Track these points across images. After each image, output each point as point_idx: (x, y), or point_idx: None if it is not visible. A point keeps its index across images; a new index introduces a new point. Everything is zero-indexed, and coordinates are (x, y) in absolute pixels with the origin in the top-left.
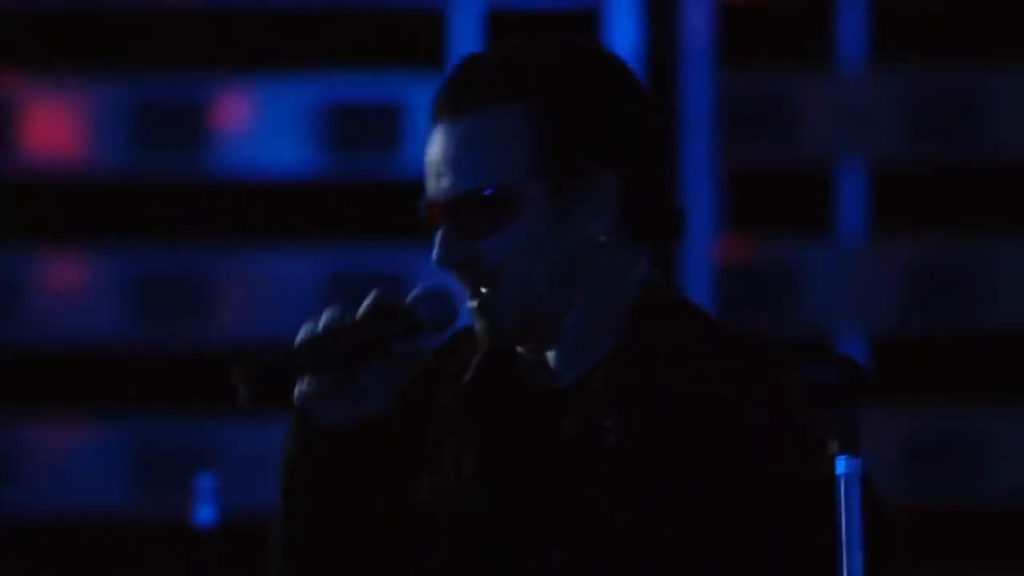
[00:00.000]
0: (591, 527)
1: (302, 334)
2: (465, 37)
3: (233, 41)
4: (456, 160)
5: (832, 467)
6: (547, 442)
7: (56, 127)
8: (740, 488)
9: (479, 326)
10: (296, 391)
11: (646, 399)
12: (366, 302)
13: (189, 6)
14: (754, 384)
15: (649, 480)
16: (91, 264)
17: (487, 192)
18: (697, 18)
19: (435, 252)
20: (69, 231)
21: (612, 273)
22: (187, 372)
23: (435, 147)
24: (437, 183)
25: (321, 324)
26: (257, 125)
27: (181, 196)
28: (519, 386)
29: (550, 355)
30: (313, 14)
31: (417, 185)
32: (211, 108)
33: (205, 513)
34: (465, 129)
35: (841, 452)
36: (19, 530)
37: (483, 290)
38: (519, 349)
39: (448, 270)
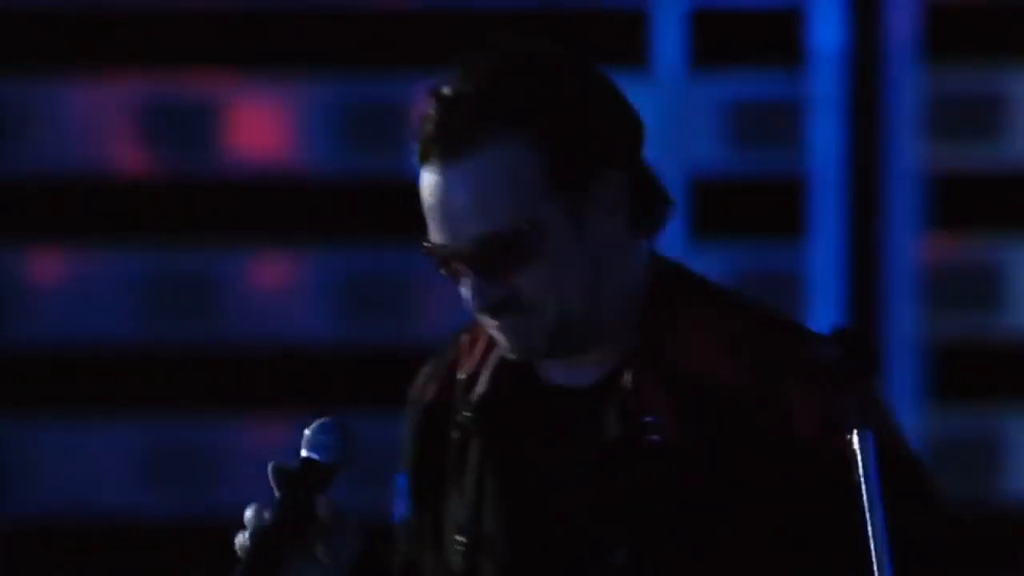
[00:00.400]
0: (646, 527)
1: (241, 543)
2: (667, 37)
3: (437, 41)
4: (470, 204)
5: (872, 443)
6: (588, 445)
7: (264, 127)
8: (786, 471)
9: (513, 351)
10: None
11: (681, 391)
12: (273, 499)
13: (396, 5)
14: (785, 363)
15: (697, 473)
16: (299, 265)
17: (513, 230)
18: (901, 16)
19: (473, 299)
20: (274, 231)
21: (627, 267)
22: (391, 372)
23: (438, 193)
24: (450, 229)
25: (244, 542)
26: None
27: (386, 197)
28: (542, 389)
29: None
30: (512, 12)
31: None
32: (415, 108)
33: (399, 508)
34: (469, 172)
35: (857, 427)
36: (217, 526)
37: (514, 320)
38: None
39: (487, 310)
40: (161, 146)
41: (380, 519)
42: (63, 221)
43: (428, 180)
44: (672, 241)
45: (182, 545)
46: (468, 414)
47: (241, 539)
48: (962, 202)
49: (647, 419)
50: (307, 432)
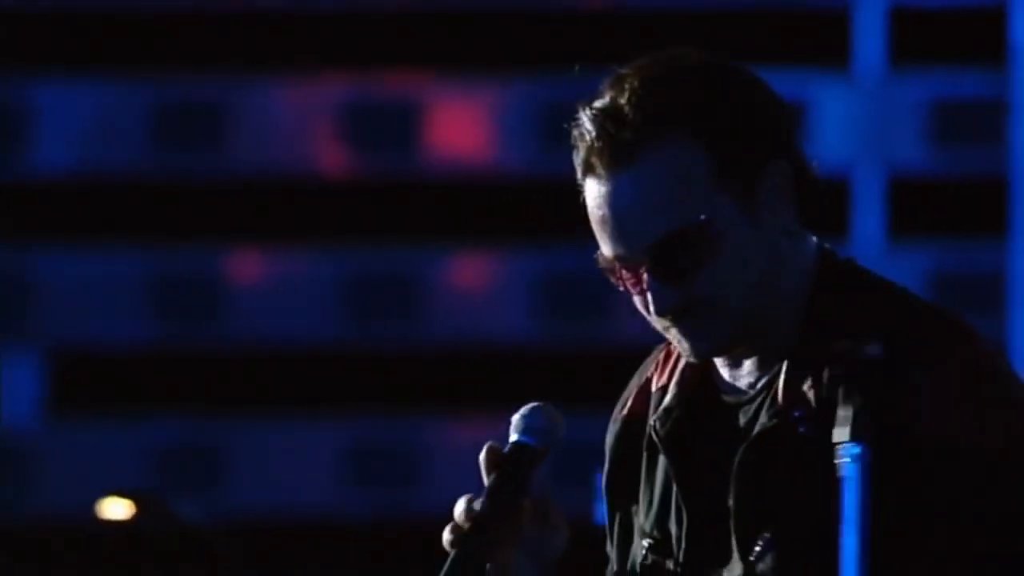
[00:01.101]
0: (790, 518)
1: (449, 537)
2: (869, 36)
3: (635, 42)
4: (644, 208)
5: (1004, 438)
6: (741, 443)
7: (463, 128)
8: (915, 460)
9: (694, 351)
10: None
11: (829, 381)
12: (487, 480)
13: (592, 7)
14: (920, 350)
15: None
16: (497, 263)
17: (690, 228)
18: None
19: (654, 305)
20: (475, 230)
21: (798, 257)
22: (589, 370)
23: (608, 202)
24: (625, 238)
25: (462, 520)
26: None
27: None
28: (716, 396)
29: (748, 359)
30: (714, 12)
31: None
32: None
33: (601, 510)
34: (639, 176)
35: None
36: (429, 526)
37: (697, 320)
38: (717, 361)
39: (667, 315)
40: (362, 146)
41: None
42: (264, 222)
43: (595, 192)
44: (872, 240)
45: (385, 544)
46: (656, 425)
47: (447, 534)
48: None
49: (795, 413)
50: (516, 417)
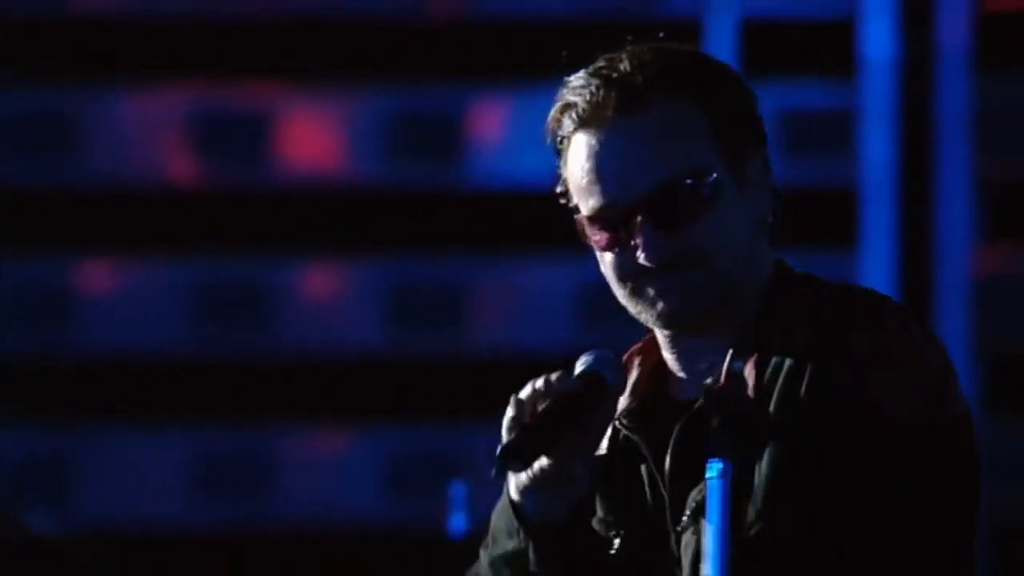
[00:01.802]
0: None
1: (512, 418)
2: (721, 45)
3: (489, 53)
4: (648, 153)
5: (949, 411)
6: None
7: (314, 139)
8: (854, 432)
9: (673, 312)
10: (514, 484)
11: (769, 365)
12: (555, 379)
13: (445, 18)
14: (851, 326)
15: (777, 443)
16: (348, 273)
17: (691, 176)
18: (953, 26)
19: (646, 253)
20: (327, 241)
21: (764, 253)
22: (443, 380)
23: (607, 150)
24: (622, 184)
25: (536, 407)
26: (512, 136)
27: (435, 206)
28: (668, 398)
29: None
30: (567, 26)
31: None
32: (467, 119)
33: (458, 521)
34: (646, 123)
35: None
36: (274, 538)
37: (685, 275)
38: (677, 367)
39: (660, 265)
40: (213, 157)
41: (432, 530)
42: (114, 232)
43: (591, 142)
44: None
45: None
46: (617, 426)
47: (513, 409)
48: (1017, 212)
49: (732, 395)
50: (585, 357)
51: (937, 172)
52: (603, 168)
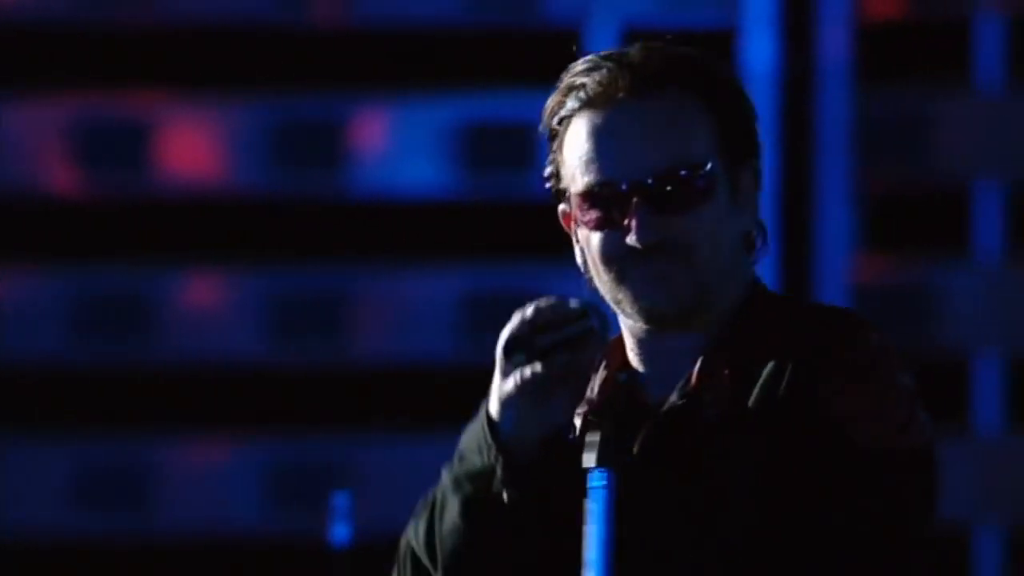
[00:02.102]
0: (683, 499)
1: (525, 319)
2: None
3: (369, 61)
4: (654, 135)
5: (915, 437)
6: (663, 433)
7: (194, 148)
8: (824, 454)
9: (655, 304)
10: (497, 394)
11: (739, 373)
12: (551, 303)
13: (326, 27)
14: (830, 347)
15: (742, 449)
16: (228, 283)
17: (694, 166)
18: (834, 38)
19: (638, 233)
20: (207, 250)
21: (744, 272)
22: (323, 390)
23: (616, 128)
24: (625, 164)
25: (535, 316)
26: (393, 145)
27: (317, 215)
28: (641, 410)
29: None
30: (449, 34)
31: (548, 205)
32: (348, 128)
33: (340, 532)
34: (657, 106)
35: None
36: (158, 548)
37: (669, 266)
38: (646, 371)
39: (648, 248)
40: (93, 166)
41: (313, 541)
42: None
43: (595, 121)
44: None
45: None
46: (580, 422)
47: (516, 325)
48: (895, 222)
49: (707, 398)
50: (591, 303)
51: (817, 183)
52: (605, 147)
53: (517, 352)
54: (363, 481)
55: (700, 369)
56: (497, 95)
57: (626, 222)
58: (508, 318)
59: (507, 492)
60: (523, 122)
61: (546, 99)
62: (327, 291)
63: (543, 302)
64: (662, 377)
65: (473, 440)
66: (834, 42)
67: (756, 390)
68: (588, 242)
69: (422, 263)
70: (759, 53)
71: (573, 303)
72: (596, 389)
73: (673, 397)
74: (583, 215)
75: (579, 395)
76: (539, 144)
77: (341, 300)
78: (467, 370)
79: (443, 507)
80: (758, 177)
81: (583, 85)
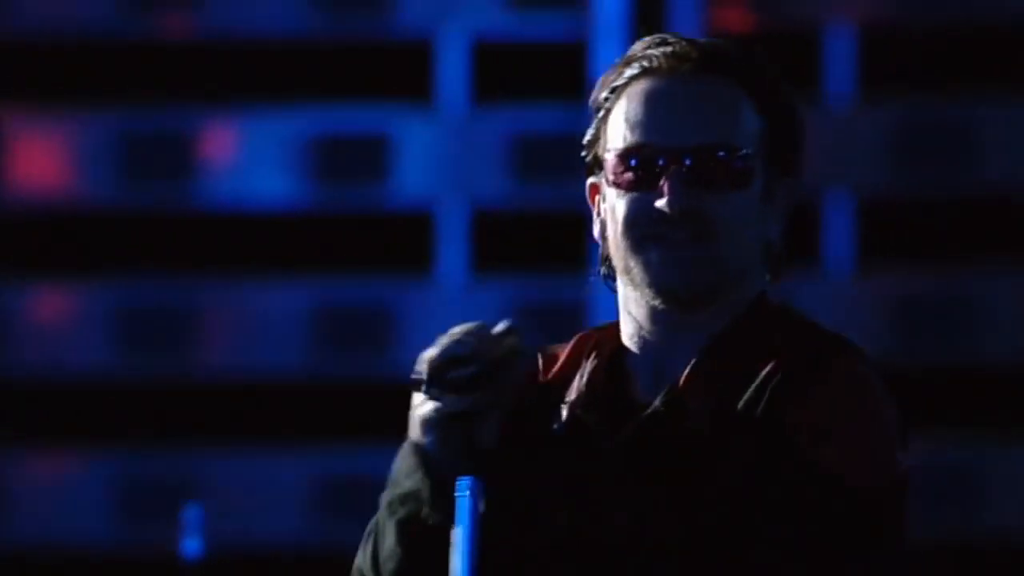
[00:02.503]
0: (654, 496)
1: (446, 346)
2: (452, 69)
3: (219, 72)
4: (699, 112)
5: (881, 474)
6: (644, 436)
7: (43, 160)
8: (788, 478)
9: (668, 280)
10: (420, 415)
11: (726, 385)
12: (499, 330)
13: (175, 38)
14: (814, 374)
15: (716, 464)
16: (77, 296)
17: (742, 150)
18: None
19: (669, 197)
20: (55, 263)
21: (758, 286)
22: (173, 404)
23: (676, 97)
24: (677, 132)
25: (469, 340)
26: (243, 157)
27: (167, 228)
28: (629, 404)
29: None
30: (299, 46)
31: (403, 216)
32: (197, 140)
33: (191, 545)
34: (706, 85)
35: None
36: (5, 562)
37: (692, 247)
38: (637, 363)
39: (674, 217)
40: None
41: (163, 554)
42: None
43: (655, 86)
44: (456, 273)
45: None
46: (577, 413)
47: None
48: None
49: (691, 405)
50: (517, 327)
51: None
52: (656, 112)
53: (432, 387)
54: (214, 495)
55: (689, 374)
56: (347, 107)
57: (659, 185)
58: (358, 331)
59: (435, 515)
60: (374, 134)
61: (396, 109)
62: (177, 304)
63: (459, 332)
64: (656, 368)
65: (404, 463)
66: None
67: (739, 407)
68: (614, 205)
69: (272, 276)
70: (609, 65)
71: (494, 328)
72: (586, 378)
73: (657, 402)
74: (617, 176)
75: (506, 413)
76: (390, 155)
77: (191, 313)
78: (317, 384)
79: (382, 532)
80: (791, 193)
81: (647, 56)
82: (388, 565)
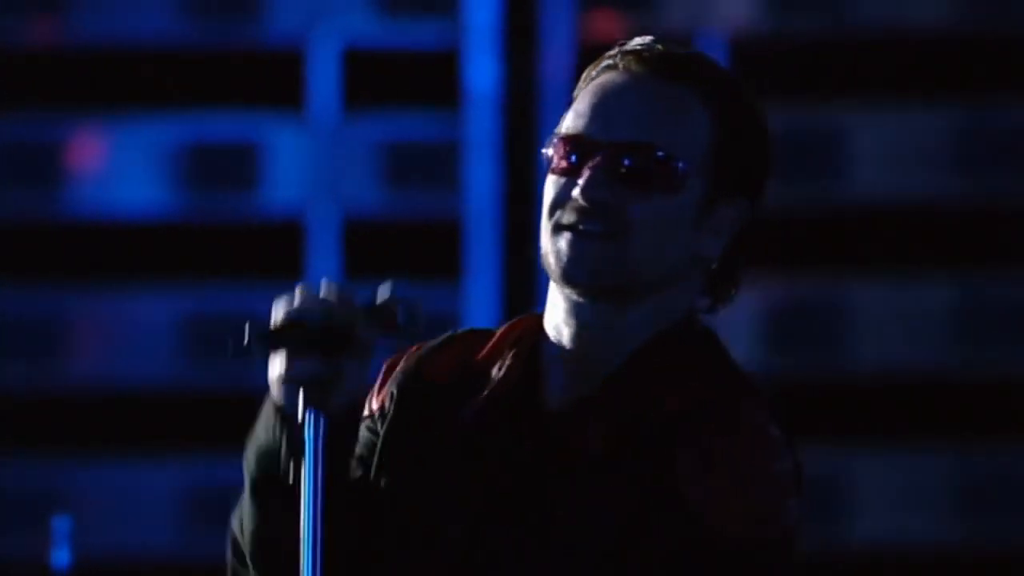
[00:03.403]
0: (547, 524)
1: (293, 308)
2: (323, 76)
3: (86, 80)
4: (642, 112)
5: (772, 528)
6: (540, 448)
7: None
8: (669, 526)
9: (573, 268)
10: (271, 374)
11: (630, 415)
12: (340, 293)
13: (42, 45)
14: (710, 418)
15: (607, 494)
16: None
17: (667, 154)
18: (557, 57)
19: (584, 185)
20: None
21: (688, 302)
22: (40, 414)
23: (619, 93)
24: (609, 126)
25: (316, 304)
26: (112, 165)
27: (34, 236)
28: (537, 405)
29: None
30: (169, 53)
31: (274, 225)
32: (65, 148)
33: (60, 555)
34: (659, 89)
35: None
36: None
37: (601, 244)
38: (554, 361)
39: (587, 208)
40: None
41: (33, 564)
42: None
43: (609, 78)
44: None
45: None
46: (473, 416)
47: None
48: None
49: (589, 433)
50: (404, 296)
51: (540, 204)
52: (599, 105)
53: (275, 344)
54: (82, 505)
55: (596, 394)
56: (217, 114)
57: (582, 174)
58: (226, 340)
59: (292, 467)
60: (244, 141)
61: (267, 117)
62: (44, 313)
63: (308, 295)
64: (569, 368)
65: (261, 419)
66: (555, 61)
67: (636, 437)
68: (547, 188)
69: (141, 285)
70: (481, 73)
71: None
72: (502, 373)
73: (557, 414)
74: (554, 161)
75: (363, 377)
76: (261, 163)
77: (59, 322)
78: (187, 393)
79: (244, 492)
80: (738, 219)
81: (620, 54)
82: (247, 525)
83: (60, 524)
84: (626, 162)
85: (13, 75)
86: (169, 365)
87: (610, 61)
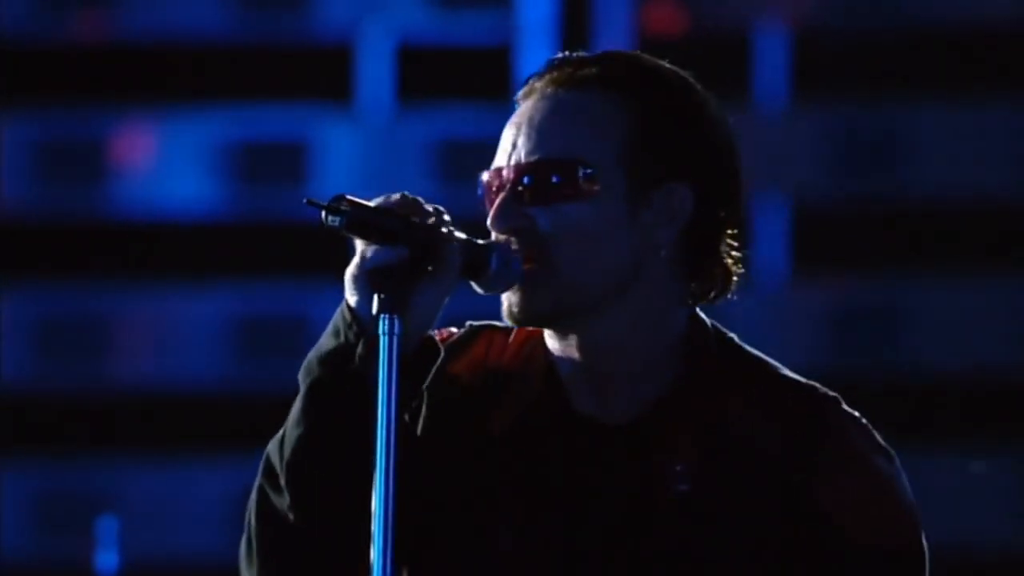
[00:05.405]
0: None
1: (393, 200)
2: (374, 71)
3: (134, 75)
4: (540, 127)
5: (913, 537)
6: (610, 484)
7: None
8: (814, 548)
9: (514, 298)
10: (369, 258)
11: (712, 444)
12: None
13: (89, 41)
14: (819, 435)
15: (717, 530)
16: None
17: (567, 160)
18: None
19: (492, 217)
20: None
21: (665, 295)
22: (88, 415)
23: (521, 117)
24: (512, 152)
25: (416, 207)
26: (160, 161)
27: (81, 234)
28: (572, 418)
29: (597, 383)
30: (218, 48)
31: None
32: (112, 145)
33: (107, 558)
34: (562, 100)
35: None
36: None
37: (528, 264)
38: (571, 375)
39: (503, 234)
40: None
41: (78, 569)
42: None
43: (521, 107)
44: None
45: None
46: (500, 423)
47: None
48: None
49: (675, 468)
50: (503, 246)
51: None
52: (512, 131)
53: (362, 220)
54: (129, 507)
55: (658, 431)
56: (267, 111)
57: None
58: (276, 340)
59: (366, 365)
60: (294, 138)
61: (317, 112)
62: (92, 312)
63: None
64: (588, 379)
65: (330, 328)
66: None
67: (734, 469)
68: None
69: (189, 284)
70: (535, 69)
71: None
72: (529, 382)
73: (638, 466)
74: (486, 194)
75: (434, 311)
76: (310, 160)
77: (107, 322)
78: (235, 394)
79: (293, 409)
80: (687, 199)
81: (530, 79)
82: (292, 433)
83: (107, 526)
84: (525, 181)
85: (61, 70)
86: (218, 366)
87: (524, 88)
